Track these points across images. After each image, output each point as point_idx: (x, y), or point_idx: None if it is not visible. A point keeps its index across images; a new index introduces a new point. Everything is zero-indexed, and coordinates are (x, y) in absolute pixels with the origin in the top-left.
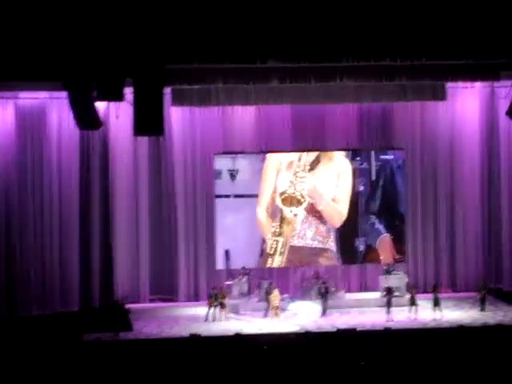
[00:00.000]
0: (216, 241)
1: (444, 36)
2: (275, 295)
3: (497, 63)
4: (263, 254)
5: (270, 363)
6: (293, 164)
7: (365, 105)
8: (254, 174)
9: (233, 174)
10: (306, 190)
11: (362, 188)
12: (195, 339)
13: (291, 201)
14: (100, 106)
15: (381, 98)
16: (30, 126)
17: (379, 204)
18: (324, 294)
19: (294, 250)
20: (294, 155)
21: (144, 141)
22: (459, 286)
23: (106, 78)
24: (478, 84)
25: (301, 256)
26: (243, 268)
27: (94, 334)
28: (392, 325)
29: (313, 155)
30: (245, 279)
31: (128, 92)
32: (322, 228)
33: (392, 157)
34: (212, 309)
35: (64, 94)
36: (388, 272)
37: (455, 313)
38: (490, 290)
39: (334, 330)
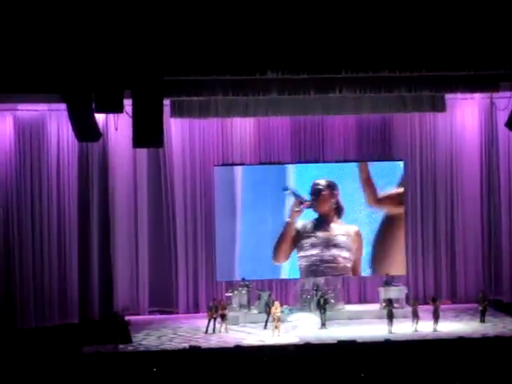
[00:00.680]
0: (216, 252)
1: (443, 47)
2: (276, 307)
3: (496, 74)
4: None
5: (270, 375)
6: None
7: (364, 116)
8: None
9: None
10: None
11: None
12: (195, 351)
13: None
14: (99, 117)
15: (380, 109)
16: (29, 138)
17: None
18: (323, 306)
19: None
20: None
21: (143, 153)
22: (459, 297)
23: (105, 89)
24: (477, 95)
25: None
26: (243, 280)
27: (94, 346)
28: (392, 336)
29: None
30: (244, 291)
31: (127, 104)
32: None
33: None
34: (212, 321)
35: (63, 105)
36: (387, 284)
37: (455, 324)
38: (490, 302)
39: (335, 341)
